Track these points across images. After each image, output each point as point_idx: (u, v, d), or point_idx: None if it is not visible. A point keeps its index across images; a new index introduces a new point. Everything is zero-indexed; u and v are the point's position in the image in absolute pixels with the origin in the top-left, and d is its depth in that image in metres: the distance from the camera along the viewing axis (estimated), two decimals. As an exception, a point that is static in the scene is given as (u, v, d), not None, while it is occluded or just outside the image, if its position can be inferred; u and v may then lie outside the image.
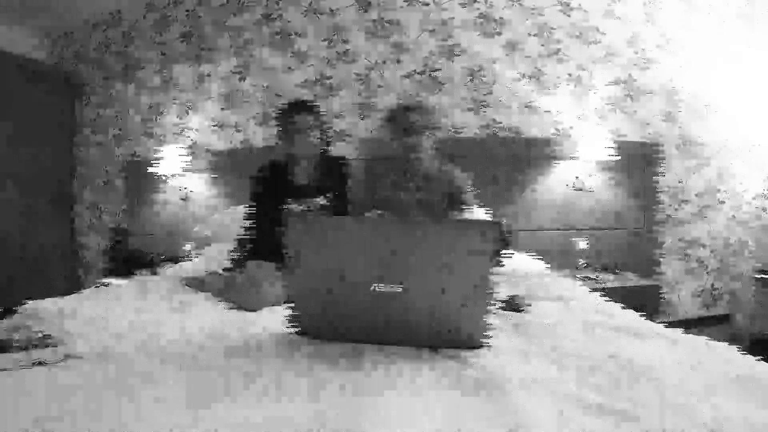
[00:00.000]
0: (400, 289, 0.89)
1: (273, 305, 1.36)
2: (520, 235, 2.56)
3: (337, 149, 2.28)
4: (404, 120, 1.75)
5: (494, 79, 2.67)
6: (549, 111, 2.69)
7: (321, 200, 1.74)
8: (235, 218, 2.32)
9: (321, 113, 1.79)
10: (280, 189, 1.72)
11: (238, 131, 2.85)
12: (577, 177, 2.61)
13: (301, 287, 0.96)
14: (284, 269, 1.14)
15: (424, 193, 1.82)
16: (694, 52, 2.80)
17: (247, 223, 1.74)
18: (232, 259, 1.69)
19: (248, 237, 1.71)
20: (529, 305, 1.27)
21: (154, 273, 2.36)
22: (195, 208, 2.87)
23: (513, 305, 1.25)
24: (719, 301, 2.93)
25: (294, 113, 1.72)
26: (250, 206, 1.75)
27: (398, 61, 2.69)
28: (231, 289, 1.47)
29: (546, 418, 0.62)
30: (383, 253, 0.89)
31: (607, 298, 1.41)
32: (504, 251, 1.72)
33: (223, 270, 1.66)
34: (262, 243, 1.62)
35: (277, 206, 1.67)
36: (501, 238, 1.70)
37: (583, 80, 2.70)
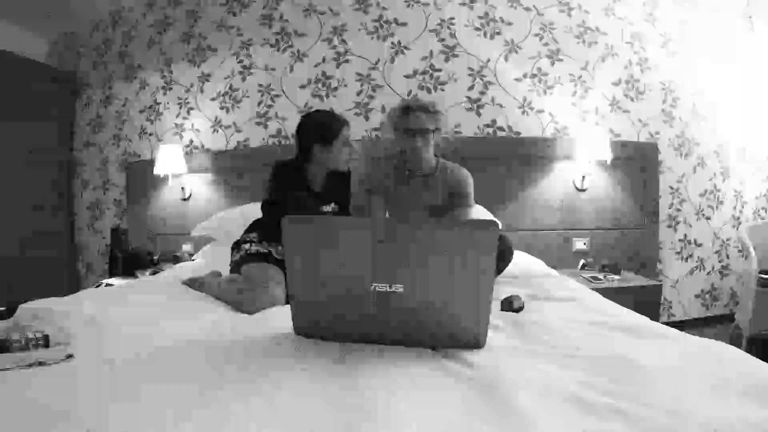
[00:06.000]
0: (400, 289, 0.89)
1: (271, 307, 1.36)
2: (520, 234, 2.58)
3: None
4: (406, 122, 1.70)
5: (494, 79, 2.67)
6: (549, 111, 2.69)
7: (329, 208, 1.74)
8: (235, 218, 2.33)
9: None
10: (301, 188, 1.67)
11: (238, 131, 2.85)
12: (584, 177, 2.61)
13: (300, 287, 0.96)
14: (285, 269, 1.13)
15: (428, 192, 1.81)
16: (694, 52, 2.80)
17: (266, 208, 1.71)
18: (235, 262, 1.67)
19: (267, 222, 1.68)
20: (522, 307, 1.26)
21: (154, 273, 2.36)
22: (195, 208, 2.87)
23: (511, 305, 1.25)
24: (719, 301, 2.93)
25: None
26: (272, 189, 1.68)
27: (398, 62, 2.69)
28: (229, 291, 1.47)
29: (547, 418, 0.62)
30: (383, 253, 0.88)
31: (607, 298, 1.41)
32: (503, 261, 1.73)
33: (231, 270, 1.65)
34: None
35: (297, 201, 1.62)
36: (507, 247, 1.70)
37: (583, 80, 2.70)
